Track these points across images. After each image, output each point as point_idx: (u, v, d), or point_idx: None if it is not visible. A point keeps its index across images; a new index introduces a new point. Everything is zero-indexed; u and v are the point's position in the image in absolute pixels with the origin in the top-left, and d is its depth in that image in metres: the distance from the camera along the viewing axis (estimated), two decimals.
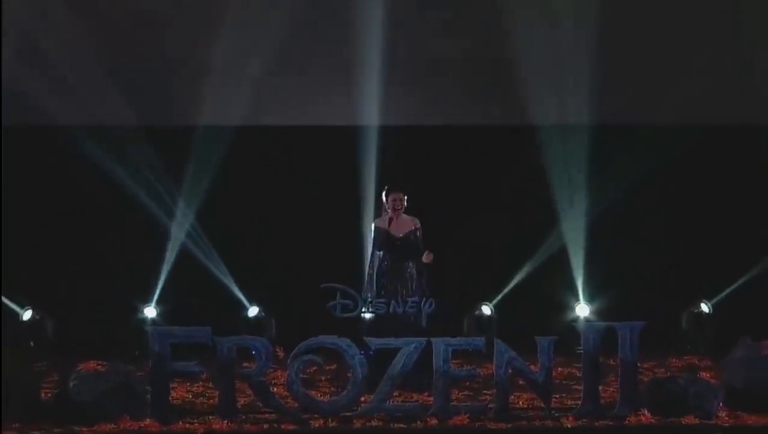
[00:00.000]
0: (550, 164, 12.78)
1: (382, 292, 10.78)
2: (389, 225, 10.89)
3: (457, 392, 10.07)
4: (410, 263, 10.92)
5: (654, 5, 12.84)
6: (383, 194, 10.95)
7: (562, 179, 12.72)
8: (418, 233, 10.89)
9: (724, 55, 12.80)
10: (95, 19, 12.75)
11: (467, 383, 10.38)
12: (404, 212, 10.87)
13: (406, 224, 10.89)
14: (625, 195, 12.66)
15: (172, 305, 12.66)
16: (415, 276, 10.92)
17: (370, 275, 11.06)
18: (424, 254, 10.80)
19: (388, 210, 10.90)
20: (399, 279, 10.91)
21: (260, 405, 9.62)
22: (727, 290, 12.51)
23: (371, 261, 11.11)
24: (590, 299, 12.57)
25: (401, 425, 9.36)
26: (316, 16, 12.86)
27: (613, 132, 12.83)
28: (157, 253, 12.82)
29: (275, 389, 9.90)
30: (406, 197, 10.88)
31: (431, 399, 9.66)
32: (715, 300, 12.62)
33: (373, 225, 11.08)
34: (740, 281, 12.47)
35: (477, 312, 12.82)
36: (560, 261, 12.83)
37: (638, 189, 12.73)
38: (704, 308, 12.54)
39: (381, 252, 10.97)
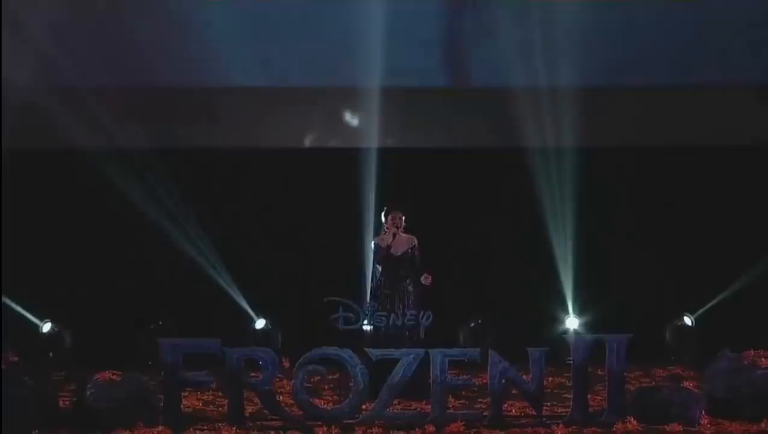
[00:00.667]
0: (541, 185, 12.79)
1: (381, 306, 10.81)
2: (388, 243, 10.93)
3: (453, 400, 10.08)
4: (408, 279, 10.96)
5: (636, 28, 12.87)
6: (383, 213, 10.99)
7: (552, 200, 12.74)
8: (415, 251, 10.93)
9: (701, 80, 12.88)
10: (108, 47, 12.82)
11: (463, 392, 10.37)
12: (402, 231, 10.93)
13: (405, 242, 10.92)
14: (612, 215, 12.68)
15: (184, 318, 12.67)
16: (412, 292, 10.96)
17: (372, 290, 11.09)
18: (423, 277, 10.85)
19: (387, 229, 10.95)
20: (397, 294, 10.94)
21: (267, 412, 9.64)
22: (709, 304, 12.52)
23: (372, 277, 11.14)
24: (579, 312, 12.58)
25: (401, 432, 9.37)
26: (319, 54, 12.91)
27: (599, 154, 12.87)
28: (169, 269, 12.85)
29: (281, 397, 9.93)
30: (404, 217, 10.95)
31: (429, 407, 9.66)
32: (697, 314, 12.63)
33: (373, 243, 11.12)
34: (721, 296, 12.48)
35: (472, 325, 12.82)
36: (551, 277, 12.84)
37: (625, 210, 12.76)
38: (687, 321, 12.56)
39: (381, 268, 11.02)
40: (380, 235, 11.07)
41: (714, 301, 12.49)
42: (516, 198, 12.95)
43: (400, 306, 10.82)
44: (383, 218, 11.01)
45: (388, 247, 10.92)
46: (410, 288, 10.95)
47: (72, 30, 12.64)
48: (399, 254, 10.93)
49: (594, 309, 12.49)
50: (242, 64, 12.84)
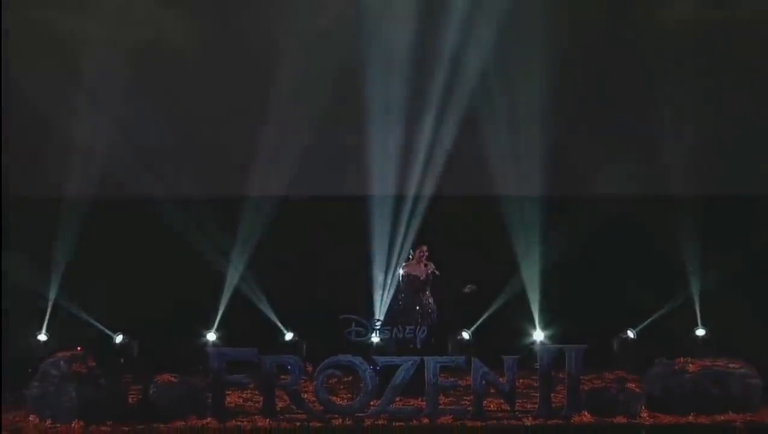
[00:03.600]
0: (514, 227, 12.75)
1: (412, 318, 11.03)
2: (415, 269, 11.27)
3: (443, 398, 10.04)
4: (430, 297, 11.25)
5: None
6: (411, 247, 11.52)
7: (521, 239, 12.69)
8: (433, 276, 11.24)
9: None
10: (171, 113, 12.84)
11: (451, 391, 10.33)
12: (425, 260, 11.32)
13: (428, 268, 11.25)
14: (570, 252, 12.66)
15: (228, 331, 12.60)
16: (434, 307, 11.25)
17: (400, 306, 11.31)
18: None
19: (413, 258, 11.33)
20: (422, 309, 11.19)
21: (294, 407, 9.64)
22: (647, 321, 12.43)
23: (399, 295, 11.38)
24: (544, 327, 12.49)
25: (401, 423, 9.37)
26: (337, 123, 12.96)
27: (560, 202, 12.88)
28: (216, 293, 12.78)
29: (305, 395, 9.89)
30: (426, 249, 11.30)
31: (424, 403, 9.64)
32: (638, 328, 12.54)
33: (401, 270, 11.42)
34: (656, 315, 12.38)
35: (459, 337, 12.73)
36: (521, 299, 12.75)
37: (580, 248, 12.74)
38: (630, 334, 12.47)
39: (408, 289, 11.25)
40: (408, 263, 11.39)
41: (650, 319, 12.41)
42: (494, 238, 12.90)
43: (426, 319, 11.07)
44: (411, 250, 11.42)
45: (416, 272, 11.24)
46: (432, 304, 11.23)
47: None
48: (423, 277, 11.18)
49: (556, 326, 12.40)
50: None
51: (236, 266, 12.88)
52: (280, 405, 9.73)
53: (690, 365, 10.13)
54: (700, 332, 12.39)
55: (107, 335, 12.32)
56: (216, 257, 12.85)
